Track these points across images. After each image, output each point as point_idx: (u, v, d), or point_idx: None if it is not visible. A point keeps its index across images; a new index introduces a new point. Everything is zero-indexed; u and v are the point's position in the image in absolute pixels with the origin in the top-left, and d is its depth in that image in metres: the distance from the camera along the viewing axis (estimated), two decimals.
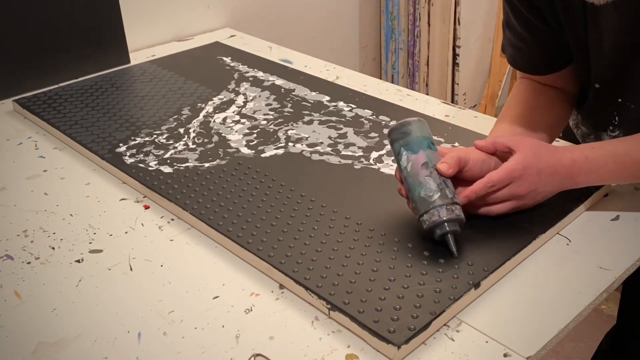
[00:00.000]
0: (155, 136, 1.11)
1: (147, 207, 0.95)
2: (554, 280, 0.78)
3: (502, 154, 0.83)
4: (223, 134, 1.11)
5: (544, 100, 0.98)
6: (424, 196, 0.79)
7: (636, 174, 0.84)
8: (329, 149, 1.05)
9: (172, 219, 0.92)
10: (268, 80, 1.33)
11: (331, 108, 1.19)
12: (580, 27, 0.89)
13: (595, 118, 1.00)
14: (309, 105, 1.21)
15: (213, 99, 1.25)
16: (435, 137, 1.02)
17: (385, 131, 1.09)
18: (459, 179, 0.82)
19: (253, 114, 1.19)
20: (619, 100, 0.91)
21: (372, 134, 1.09)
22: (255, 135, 1.11)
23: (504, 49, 1.04)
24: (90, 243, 0.88)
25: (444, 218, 0.77)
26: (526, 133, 0.93)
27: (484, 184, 0.80)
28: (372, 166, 0.99)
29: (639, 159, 0.82)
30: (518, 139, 0.84)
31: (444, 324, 0.72)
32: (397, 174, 0.83)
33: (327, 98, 1.23)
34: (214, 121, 1.16)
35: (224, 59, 1.45)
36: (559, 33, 0.93)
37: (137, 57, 1.50)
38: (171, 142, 1.09)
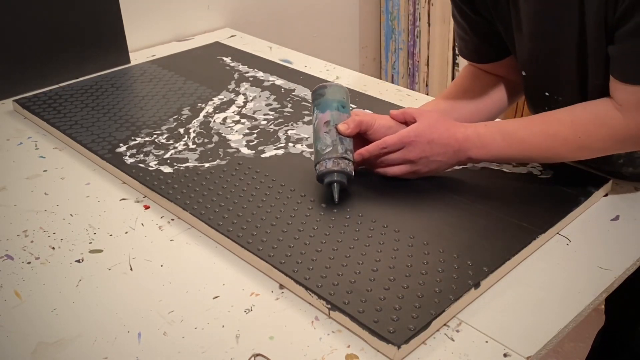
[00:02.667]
0: (155, 136, 1.11)
1: (147, 207, 0.95)
2: (554, 280, 0.78)
3: (410, 124, 0.91)
4: (223, 134, 1.11)
5: (479, 85, 1.04)
6: (319, 149, 0.90)
7: (523, 152, 0.89)
8: None
9: (172, 219, 0.92)
10: (268, 80, 1.33)
11: None
12: (507, 17, 0.94)
13: (534, 112, 1.02)
14: (309, 105, 1.21)
15: (213, 99, 1.25)
16: None
17: None
18: (367, 141, 0.92)
19: (253, 114, 1.19)
20: (546, 94, 0.95)
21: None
22: (255, 135, 1.11)
23: (457, 39, 1.10)
24: (90, 243, 0.88)
25: (330, 169, 0.88)
26: (451, 111, 1.00)
27: (377, 145, 0.90)
28: None
29: (523, 137, 0.87)
30: (423, 111, 0.93)
31: (444, 324, 0.72)
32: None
33: None
34: (214, 121, 1.16)
35: (224, 59, 1.45)
36: (493, 24, 0.98)
37: (137, 57, 1.50)
38: (171, 142, 1.09)
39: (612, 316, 1.20)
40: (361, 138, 0.93)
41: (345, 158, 0.89)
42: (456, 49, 1.10)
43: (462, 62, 2.14)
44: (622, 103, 0.82)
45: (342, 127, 0.91)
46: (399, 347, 0.67)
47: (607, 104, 0.84)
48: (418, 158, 0.90)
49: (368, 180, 0.96)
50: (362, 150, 0.91)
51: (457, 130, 0.89)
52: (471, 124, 0.91)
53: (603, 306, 1.72)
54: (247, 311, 0.75)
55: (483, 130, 0.89)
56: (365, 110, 1.17)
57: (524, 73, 0.97)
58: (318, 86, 0.96)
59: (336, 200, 0.88)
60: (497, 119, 1.04)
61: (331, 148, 0.89)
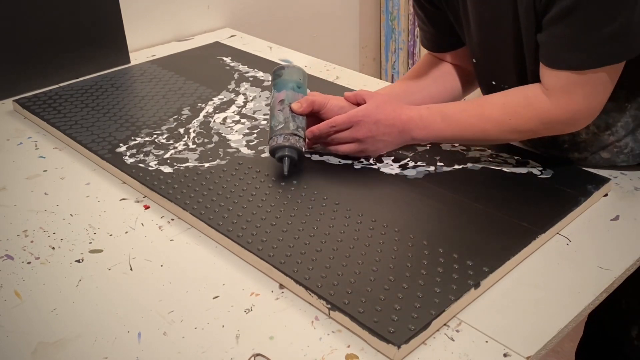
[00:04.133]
0: (155, 136, 1.11)
1: (147, 207, 0.95)
2: (554, 280, 0.78)
3: (362, 105, 0.97)
4: (223, 134, 1.11)
5: (435, 73, 1.09)
6: (272, 126, 0.97)
7: (460, 133, 0.94)
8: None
9: (172, 219, 0.92)
10: (268, 80, 1.33)
11: None
12: (457, 7, 0.98)
13: None
14: None
15: (213, 99, 1.25)
16: None
17: None
18: (320, 120, 0.98)
19: (253, 114, 1.19)
20: (493, 82, 0.98)
21: None
22: (255, 135, 1.11)
23: (419, 30, 1.14)
24: (90, 243, 0.88)
25: (281, 144, 0.94)
26: (405, 95, 1.05)
27: (327, 123, 0.96)
28: (372, 166, 0.99)
29: (460, 119, 0.93)
30: (374, 94, 0.99)
31: (444, 324, 0.72)
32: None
33: None
34: (214, 121, 1.16)
35: (224, 59, 1.45)
36: (447, 15, 1.02)
37: (137, 57, 1.50)
38: (171, 142, 1.09)
39: (591, 330, 1.22)
40: (315, 117, 0.99)
41: (296, 134, 0.95)
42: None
43: None
44: (549, 87, 0.87)
45: (295, 105, 0.97)
46: (399, 347, 0.67)
47: (536, 88, 0.89)
48: (365, 137, 0.95)
49: (367, 181, 0.96)
50: (314, 127, 0.97)
51: (402, 111, 0.95)
52: (415, 107, 0.96)
53: None
54: (247, 311, 0.75)
55: (425, 113, 0.94)
56: None
57: (474, 61, 1.01)
58: (277, 67, 1.03)
59: (286, 173, 0.94)
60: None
61: (283, 125, 0.95)
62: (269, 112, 0.99)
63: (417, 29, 2.16)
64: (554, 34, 0.84)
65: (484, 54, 0.98)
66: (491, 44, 0.95)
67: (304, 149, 0.96)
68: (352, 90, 1.26)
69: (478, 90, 1.08)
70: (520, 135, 0.93)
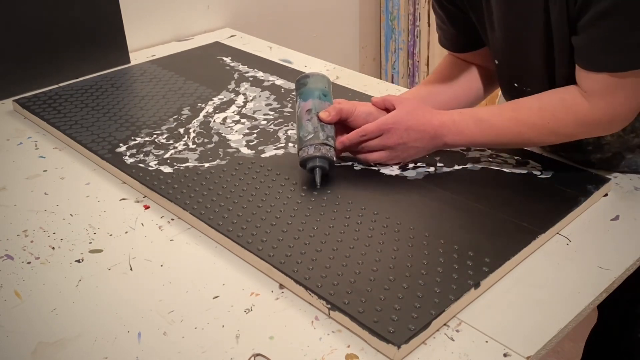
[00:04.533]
0: (155, 136, 1.11)
1: (147, 207, 0.95)
2: (554, 280, 0.78)
3: (390, 111, 0.95)
4: (223, 134, 1.11)
5: (457, 73, 1.08)
6: (302, 136, 0.94)
7: (495, 138, 0.92)
8: None
9: (172, 219, 0.92)
10: (268, 80, 1.33)
11: None
12: (480, 8, 0.97)
13: (507, 101, 1.04)
14: None
15: (213, 99, 1.25)
16: None
17: None
18: (348, 128, 0.96)
19: (253, 114, 1.19)
20: (515, 85, 0.98)
21: None
22: (255, 135, 1.11)
23: (437, 29, 1.13)
24: (90, 243, 0.88)
25: (312, 155, 0.92)
26: (430, 98, 1.04)
27: (357, 132, 0.94)
28: (372, 167, 0.99)
29: (495, 123, 0.91)
30: (403, 99, 0.97)
31: (444, 324, 0.72)
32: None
33: None
34: (214, 121, 1.16)
35: (224, 59, 1.45)
36: (468, 15, 1.01)
37: (137, 57, 1.50)
38: (171, 142, 1.09)
39: (604, 314, 1.21)
40: (343, 125, 0.97)
41: (326, 144, 0.93)
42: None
43: None
44: (587, 90, 0.86)
45: (323, 114, 0.94)
46: (399, 347, 0.67)
47: (573, 91, 0.87)
48: (396, 144, 0.94)
49: (367, 182, 0.96)
50: (343, 138, 0.95)
51: (433, 117, 0.93)
52: (447, 112, 0.94)
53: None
54: (247, 311, 0.75)
55: (458, 117, 0.93)
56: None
57: (496, 62, 1.00)
58: (300, 76, 1.00)
59: (318, 185, 0.92)
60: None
61: (313, 135, 0.93)
62: (296, 123, 0.96)
63: (417, 29, 2.16)
64: (591, 37, 0.83)
65: (508, 56, 0.96)
66: (517, 46, 0.94)
67: (334, 159, 0.94)
68: (352, 90, 1.26)
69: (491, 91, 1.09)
70: (558, 138, 0.91)
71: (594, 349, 1.25)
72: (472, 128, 0.92)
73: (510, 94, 1.01)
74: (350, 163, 1.00)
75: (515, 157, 0.99)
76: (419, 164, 0.98)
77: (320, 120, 0.94)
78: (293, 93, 1.26)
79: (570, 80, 0.88)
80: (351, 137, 0.95)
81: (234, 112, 1.19)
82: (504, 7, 0.91)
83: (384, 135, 0.93)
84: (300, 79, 1.00)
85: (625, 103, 0.85)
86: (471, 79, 1.08)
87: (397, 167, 0.98)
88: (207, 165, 1.01)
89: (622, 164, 0.98)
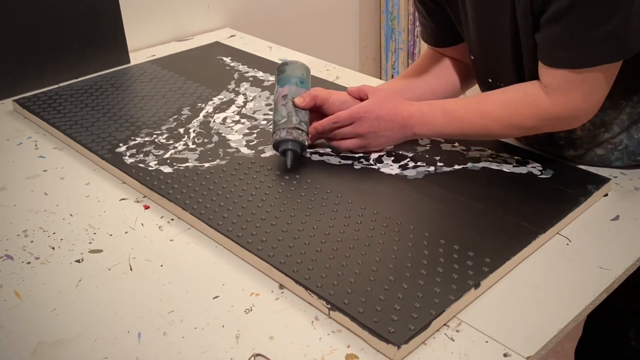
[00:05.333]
0: (155, 136, 1.11)
1: (147, 207, 0.95)
2: (554, 280, 0.78)
3: (364, 100, 0.98)
4: (223, 134, 1.11)
5: (435, 67, 1.10)
6: (276, 120, 0.98)
7: (460, 129, 0.94)
8: (329, 149, 1.05)
9: (172, 219, 0.92)
10: (268, 80, 1.33)
11: None
12: (455, 3, 0.98)
13: None
14: None
15: (213, 99, 1.25)
16: None
17: None
18: (324, 115, 1.00)
19: (253, 114, 1.19)
20: (489, 80, 0.99)
21: None
22: (255, 135, 1.11)
23: (419, 24, 1.16)
24: (90, 243, 0.88)
25: (284, 137, 0.96)
26: (407, 90, 1.06)
27: (330, 119, 0.98)
28: (371, 166, 0.99)
29: (461, 115, 0.94)
30: (376, 89, 1.00)
31: (444, 324, 0.72)
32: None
33: None
34: (214, 121, 1.16)
35: (224, 59, 1.45)
36: (446, 11, 1.02)
37: (137, 57, 1.50)
38: (171, 142, 1.09)
39: (589, 330, 1.22)
40: (318, 112, 1.00)
41: (299, 129, 0.96)
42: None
43: None
44: (547, 85, 0.88)
45: (298, 100, 0.99)
46: (399, 347, 0.67)
47: (535, 86, 0.89)
48: (367, 132, 0.97)
49: (367, 181, 0.96)
50: (316, 124, 0.99)
51: (403, 107, 0.95)
52: (416, 103, 0.97)
53: None
54: (247, 311, 0.75)
55: (426, 109, 0.95)
56: None
57: (472, 58, 1.02)
58: (280, 63, 1.05)
59: (289, 166, 0.96)
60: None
61: (286, 119, 0.97)
62: (272, 108, 1.00)
63: (417, 29, 2.16)
64: (551, 33, 0.84)
65: (482, 51, 0.98)
66: (488, 42, 0.95)
67: (306, 143, 0.97)
68: None
69: (476, 86, 1.09)
70: (520, 131, 0.94)
71: (585, 350, 1.25)
72: (439, 119, 0.94)
73: (486, 89, 1.02)
74: (350, 162, 1.00)
75: (515, 157, 0.99)
76: (419, 164, 0.98)
77: (295, 105, 0.98)
78: None
79: (538, 75, 0.90)
80: (324, 123, 0.98)
81: (234, 112, 1.19)
82: (476, 5, 0.93)
83: (355, 123, 0.96)
84: (280, 66, 1.04)
85: (584, 99, 0.87)
86: (448, 73, 1.10)
87: (397, 166, 0.98)
88: (207, 165, 1.01)
89: (595, 160, 0.99)
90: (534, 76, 0.90)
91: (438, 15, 1.05)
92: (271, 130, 0.99)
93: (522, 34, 0.89)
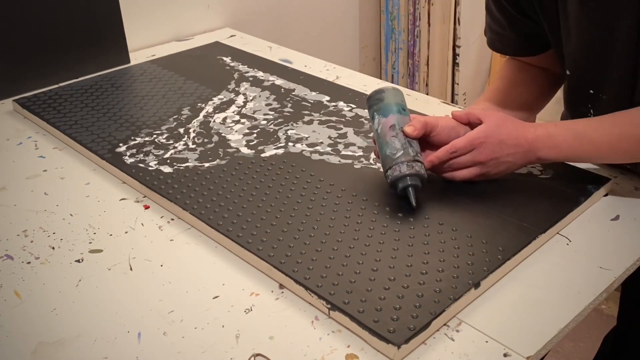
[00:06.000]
0: (155, 136, 1.11)
1: (147, 207, 0.95)
2: (554, 280, 0.78)
3: (474, 125, 0.89)
4: (223, 134, 1.11)
5: (525, 78, 1.06)
6: (389, 154, 0.87)
7: (594, 152, 0.88)
8: (329, 148, 1.05)
9: (172, 219, 0.92)
10: (268, 80, 1.33)
11: (331, 108, 1.19)
12: (553, 13, 0.94)
13: (572, 110, 1.03)
14: (309, 105, 1.21)
15: (213, 99, 1.25)
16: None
17: None
18: (429, 143, 0.91)
19: (253, 114, 1.19)
20: (590, 91, 0.94)
21: (372, 134, 1.09)
22: (255, 135, 1.11)
23: (485, 32, 1.10)
24: (90, 243, 0.88)
25: (405, 173, 0.86)
26: (503, 106, 1.02)
27: (447, 150, 0.88)
28: (372, 166, 0.99)
29: (595, 138, 0.86)
30: (488, 112, 0.91)
31: (444, 324, 0.72)
32: (374, 137, 0.92)
33: (327, 98, 1.23)
34: (214, 121, 1.16)
35: (224, 59, 1.45)
36: (534, 22, 0.98)
37: (137, 57, 1.50)
38: (171, 142, 1.09)
39: (628, 319, 1.19)
40: (423, 141, 0.91)
41: (418, 160, 0.87)
42: (487, 42, 1.12)
43: (462, 62, 2.14)
44: None
45: (408, 129, 0.88)
46: (399, 347, 0.67)
47: None
48: (488, 159, 0.87)
49: (367, 180, 0.96)
50: (432, 156, 0.89)
51: (527, 130, 0.87)
52: (540, 124, 0.89)
53: (604, 306, 1.73)
54: (247, 311, 0.75)
55: (554, 130, 0.87)
56: (365, 110, 1.18)
57: (568, 72, 0.97)
58: (374, 91, 0.93)
59: (414, 205, 0.86)
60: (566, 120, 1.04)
61: (402, 152, 0.87)
62: (377, 140, 0.90)
63: (417, 28, 2.16)
64: None
65: (585, 64, 0.93)
66: (599, 52, 0.90)
67: (426, 175, 0.87)
68: (352, 90, 1.26)
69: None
70: None
71: (611, 351, 1.24)
72: (569, 142, 0.86)
73: (582, 102, 0.97)
74: (350, 162, 1.00)
75: None
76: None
77: (405, 135, 0.88)
78: (293, 93, 1.25)
79: None
80: (440, 155, 0.88)
81: (234, 112, 1.19)
82: (586, 12, 0.88)
83: (475, 150, 0.87)
84: (375, 95, 0.93)
85: None
86: (538, 83, 1.05)
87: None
88: (207, 165, 1.01)
89: None
90: None
91: (521, 26, 1.01)
92: (383, 165, 0.88)
93: None
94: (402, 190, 0.87)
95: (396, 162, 0.86)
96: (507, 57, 1.10)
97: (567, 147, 0.87)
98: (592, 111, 0.96)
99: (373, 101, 0.93)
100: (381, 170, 0.91)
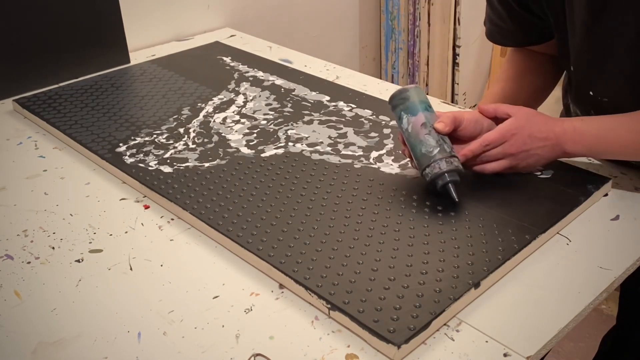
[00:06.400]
0: (155, 136, 1.11)
1: (147, 207, 0.95)
2: (554, 280, 0.78)
3: (501, 119, 0.91)
4: (223, 134, 1.11)
5: (533, 66, 1.07)
6: (425, 152, 0.88)
7: (619, 149, 0.89)
8: (329, 148, 1.05)
9: (172, 219, 0.92)
10: (268, 80, 1.33)
11: (331, 108, 1.19)
12: (560, 7, 0.95)
13: (577, 107, 1.04)
14: (309, 105, 1.21)
15: (213, 98, 1.25)
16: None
17: (386, 131, 1.10)
18: (454, 137, 0.91)
19: (253, 113, 1.19)
20: (590, 93, 0.95)
21: (372, 134, 1.09)
22: (255, 135, 1.11)
23: (485, 22, 1.11)
24: (90, 243, 0.88)
25: (444, 169, 0.86)
26: (516, 96, 1.04)
27: (480, 143, 0.89)
28: (372, 165, 0.99)
29: (620, 135, 0.87)
30: (515, 107, 0.92)
31: (444, 324, 0.72)
32: (400, 136, 0.93)
33: (327, 98, 1.23)
34: (214, 121, 1.16)
35: (224, 58, 1.45)
36: (536, 16, 0.99)
37: (137, 57, 1.50)
38: (171, 142, 1.09)
39: (626, 319, 1.20)
40: (449, 135, 0.92)
41: (455, 156, 0.88)
42: (485, 32, 1.13)
43: (463, 62, 2.14)
44: None
45: (439, 125, 0.89)
46: (399, 347, 0.67)
47: None
48: (518, 152, 0.89)
49: (367, 180, 0.96)
50: (466, 150, 0.90)
51: (555, 124, 0.89)
52: (568, 119, 0.91)
53: (604, 306, 1.73)
54: (247, 311, 0.75)
55: (579, 125, 0.89)
56: (365, 110, 1.18)
57: (572, 68, 0.98)
58: (398, 91, 0.93)
59: (456, 200, 0.87)
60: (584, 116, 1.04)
61: (439, 148, 0.87)
62: (407, 139, 0.90)
63: (417, 28, 2.16)
64: None
65: (588, 62, 0.94)
66: (600, 53, 0.91)
67: (463, 170, 0.89)
68: (352, 90, 1.26)
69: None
70: None
71: (610, 350, 1.24)
72: (594, 138, 0.88)
73: (583, 103, 0.98)
74: (350, 161, 1.00)
75: None
76: None
77: (437, 132, 0.89)
78: (293, 93, 1.25)
79: None
80: (473, 148, 0.89)
81: (234, 112, 1.19)
82: (592, 12, 0.88)
83: (506, 143, 0.89)
84: (399, 94, 0.93)
85: None
86: (545, 69, 1.07)
87: (397, 165, 0.98)
88: (207, 165, 1.01)
89: None
90: None
91: (522, 20, 1.02)
92: (419, 164, 0.89)
93: None
94: (442, 187, 0.88)
95: (434, 159, 0.87)
96: (511, 49, 1.11)
97: (592, 142, 0.88)
98: (592, 111, 0.97)
99: (397, 101, 0.92)
100: (380, 168, 0.90)
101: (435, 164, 0.87)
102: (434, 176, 0.87)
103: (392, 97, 0.93)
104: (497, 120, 0.92)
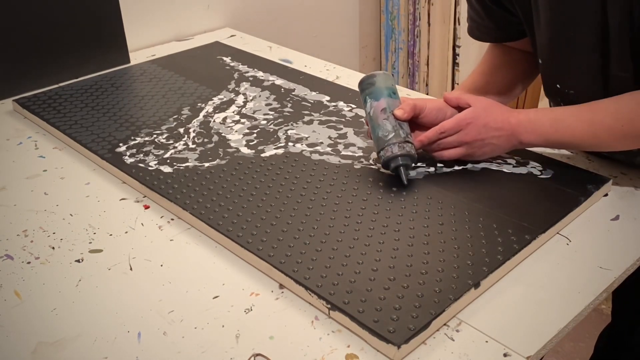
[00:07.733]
0: (155, 136, 1.11)
1: (147, 207, 0.95)
2: (554, 280, 0.78)
3: (463, 109, 0.94)
4: (223, 134, 1.11)
5: (507, 60, 1.09)
6: (381, 136, 0.93)
7: (569, 139, 0.91)
8: (329, 148, 1.05)
9: (172, 219, 0.92)
10: (268, 80, 1.33)
11: (331, 108, 1.19)
12: (527, 6, 0.96)
13: (549, 100, 1.05)
14: (309, 105, 1.21)
15: (213, 98, 1.25)
16: None
17: None
18: (418, 124, 0.96)
19: (253, 113, 1.19)
20: (557, 86, 0.97)
21: (365, 117, 1.09)
22: (255, 135, 1.11)
23: (467, 19, 1.13)
24: (90, 243, 0.88)
25: (397, 153, 0.91)
26: (485, 89, 1.06)
27: (436, 130, 0.93)
28: (371, 166, 0.99)
29: (570, 124, 0.89)
30: (477, 98, 0.96)
31: (444, 324, 0.72)
32: (366, 119, 0.98)
33: (327, 98, 1.23)
34: (214, 121, 1.16)
35: (224, 58, 1.45)
36: (509, 12, 1.01)
37: (137, 57, 1.50)
38: (171, 142, 1.09)
39: (620, 317, 1.20)
40: (412, 122, 0.96)
41: (408, 141, 0.92)
42: (467, 30, 1.18)
43: (463, 62, 2.14)
44: None
45: (398, 112, 0.93)
46: (399, 347, 0.67)
47: None
48: (473, 140, 0.92)
49: (367, 181, 0.96)
50: (422, 137, 0.94)
51: (511, 115, 0.92)
52: (523, 110, 0.94)
53: (603, 306, 1.73)
54: (247, 311, 0.75)
55: (534, 116, 0.92)
56: None
57: (540, 61, 0.99)
58: (366, 76, 0.98)
59: (405, 182, 0.92)
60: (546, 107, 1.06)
61: (394, 133, 0.92)
62: (370, 122, 0.95)
63: (417, 28, 2.16)
64: None
65: (552, 56, 0.96)
66: (563, 45, 0.92)
67: (416, 156, 0.93)
68: (352, 90, 1.26)
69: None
70: (633, 142, 0.89)
71: (605, 347, 1.24)
72: (547, 127, 0.91)
73: (552, 95, 1.00)
74: (350, 162, 1.00)
75: (515, 157, 0.99)
76: (419, 164, 0.98)
77: (396, 118, 0.93)
78: (293, 93, 1.25)
79: (626, 84, 0.86)
80: (429, 135, 0.94)
81: (234, 112, 1.19)
82: (552, 5, 0.90)
83: (461, 131, 0.92)
84: (367, 79, 0.98)
85: None
86: (520, 65, 1.08)
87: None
88: (207, 165, 1.01)
89: None
90: (621, 85, 0.87)
91: (497, 16, 1.04)
92: (375, 146, 0.94)
93: (613, 39, 0.85)
94: (394, 170, 0.93)
95: (388, 143, 0.92)
96: (490, 44, 1.13)
97: (546, 132, 0.91)
98: (562, 103, 0.98)
99: (365, 85, 0.98)
100: (380, 169, 0.90)
101: (389, 148, 0.92)
102: (386, 159, 0.92)
103: (361, 82, 0.98)
104: (460, 109, 0.95)
